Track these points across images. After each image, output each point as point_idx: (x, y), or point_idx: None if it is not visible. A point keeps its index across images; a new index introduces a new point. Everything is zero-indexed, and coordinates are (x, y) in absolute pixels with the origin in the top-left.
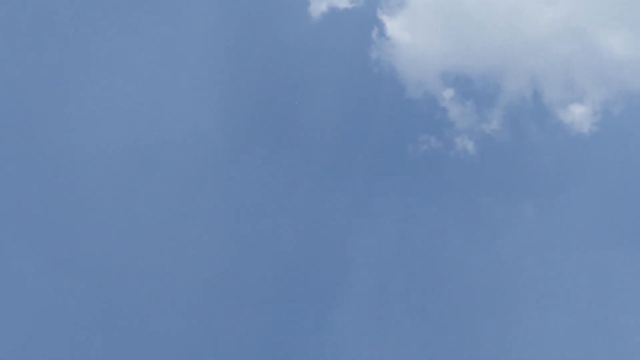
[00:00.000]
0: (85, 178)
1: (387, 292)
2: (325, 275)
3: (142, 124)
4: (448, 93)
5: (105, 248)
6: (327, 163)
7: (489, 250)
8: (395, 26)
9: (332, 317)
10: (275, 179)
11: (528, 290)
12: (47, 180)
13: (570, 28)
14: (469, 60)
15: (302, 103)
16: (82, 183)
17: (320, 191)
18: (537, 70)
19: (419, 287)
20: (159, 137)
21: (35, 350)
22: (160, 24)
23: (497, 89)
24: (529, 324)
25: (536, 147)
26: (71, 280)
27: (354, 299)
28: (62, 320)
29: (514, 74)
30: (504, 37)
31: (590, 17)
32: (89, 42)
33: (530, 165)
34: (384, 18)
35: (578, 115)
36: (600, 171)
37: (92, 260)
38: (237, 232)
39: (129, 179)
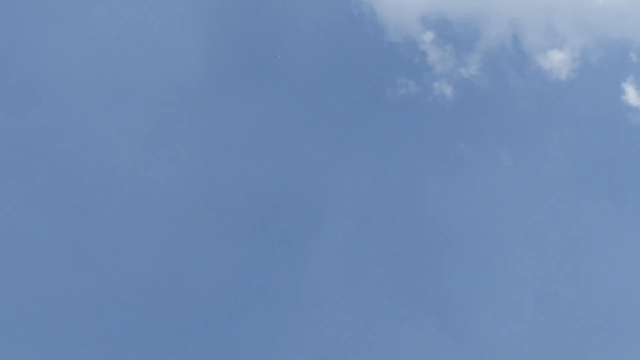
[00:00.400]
0: (70, 110)
1: (362, 234)
2: (302, 216)
3: (128, 62)
4: (428, 36)
5: (86, 178)
6: (306, 105)
7: (465, 194)
8: None
9: (307, 258)
10: (253, 120)
11: (503, 235)
12: (28, 114)
13: None
14: (450, 4)
15: (283, 43)
16: (67, 115)
17: (299, 132)
18: (517, 15)
19: (394, 230)
20: (144, 75)
21: None
22: None
23: (477, 34)
24: (504, 269)
25: (514, 93)
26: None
27: (330, 240)
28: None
29: (494, 19)
30: None
31: None
32: None
33: (508, 111)
34: None
35: (557, 61)
36: (577, 118)
37: (72, 182)
38: (216, 170)
39: (113, 115)
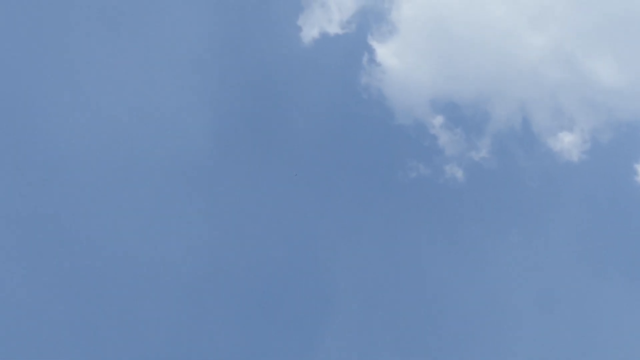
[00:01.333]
0: (77, 182)
1: (371, 316)
2: (310, 298)
3: (139, 134)
4: (437, 120)
5: (95, 251)
6: (317, 188)
7: (476, 278)
8: (385, 52)
9: (315, 340)
10: (263, 202)
11: (515, 317)
12: (36, 184)
13: (559, 56)
14: (459, 87)
15: (292, 127)
16: (74, 186)
17: (309, 215)
18: (526, 97)
19: (404, 313)
20: (150, 155)
21: None
22: (156, 43)
23: (486, 116)
24: (516, 351)
25: (525, 176)
26: (65, 281)
27: (339, 322)
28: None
29: (503, 101)
30: (493, 65)
31: (579, 45)
32: (80, 48)
33: (519, 194)
34: (375, 44)
35: (567, 143)
36: (590, 200)
37: (80, 263)
38: (224, 249)
39: (123, 183)
